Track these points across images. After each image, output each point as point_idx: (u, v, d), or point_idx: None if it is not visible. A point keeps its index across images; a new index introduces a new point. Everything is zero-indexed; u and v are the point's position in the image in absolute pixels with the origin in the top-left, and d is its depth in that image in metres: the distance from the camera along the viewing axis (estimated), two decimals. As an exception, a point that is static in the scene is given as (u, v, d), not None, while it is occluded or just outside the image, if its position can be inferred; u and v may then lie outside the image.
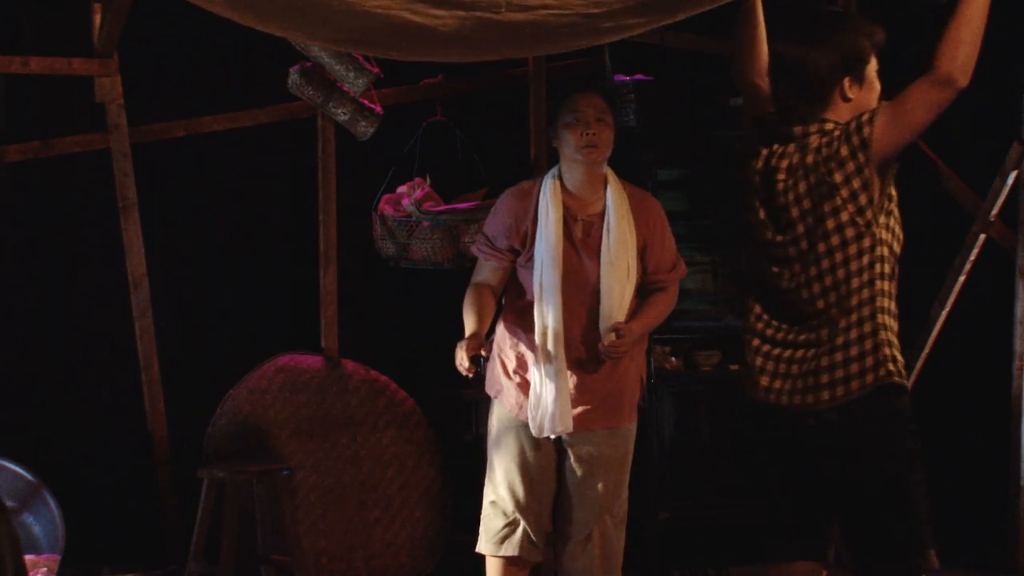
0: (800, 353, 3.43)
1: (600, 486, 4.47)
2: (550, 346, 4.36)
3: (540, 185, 4.49)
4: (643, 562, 5.91)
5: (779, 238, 3.45)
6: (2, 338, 5.75)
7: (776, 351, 3.47)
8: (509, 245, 4.47)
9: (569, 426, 4.36)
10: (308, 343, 5.93)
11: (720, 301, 6.06)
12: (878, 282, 3.39)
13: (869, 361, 3.35)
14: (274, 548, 5.30)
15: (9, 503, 5.46)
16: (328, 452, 5.78)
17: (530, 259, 4.43)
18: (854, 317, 3.37)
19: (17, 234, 5.86)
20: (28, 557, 5.28)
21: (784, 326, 3.46)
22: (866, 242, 3.38)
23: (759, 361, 3.49)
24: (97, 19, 5.52)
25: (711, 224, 6.02)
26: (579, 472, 4.46)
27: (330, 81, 5.61)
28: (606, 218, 4.45)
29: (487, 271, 4.52)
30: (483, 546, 4.50)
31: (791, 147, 3.44)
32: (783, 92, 3.49)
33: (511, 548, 4.44)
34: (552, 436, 4.40)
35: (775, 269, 3.47)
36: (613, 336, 4.37)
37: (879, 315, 3.38)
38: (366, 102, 5.64)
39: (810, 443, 3.45)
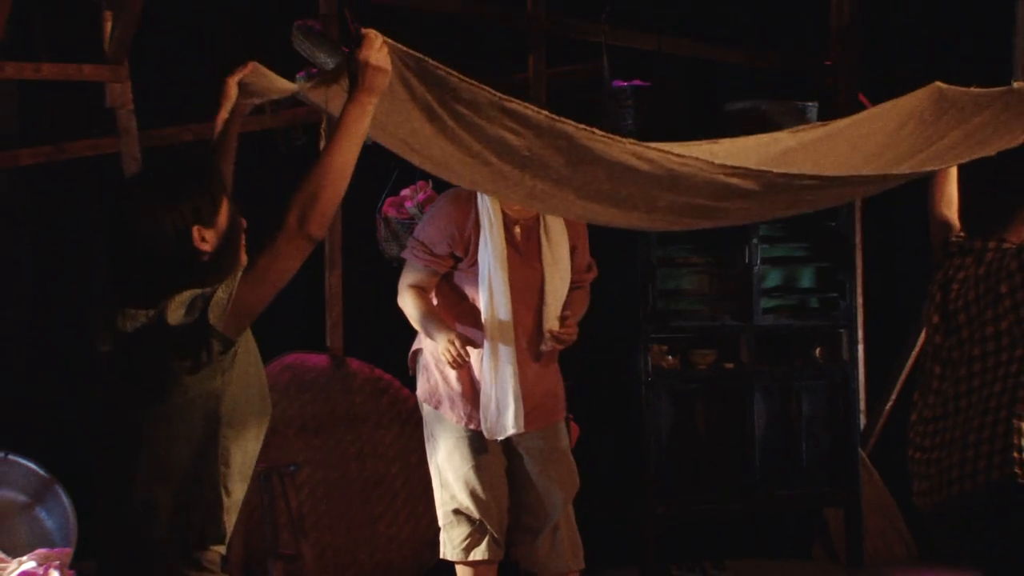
0: (935, 455, 3.56)
1: (559, 477, 4.56)
2: (503, 348, 4.42)
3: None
4: (641, 556, 6.00)
5: (946, 341, 3.61)
6: (14, 337, 5.81)
7: (922, 456, 3.61)
8: (450, 252, 4.50)
9: (522, 426, 4.43)
10: (314, 342, 6.01)
11: (716, 301, 6.11)
12: (1021, 390, 3.50)
13: (996, 460, 3.46)
14: (281, 542, 5.34)
15: (22, 498, 5.55)
16: (333, 449, 5.85)
17: (473, 264, 4.47)
18: (989, 418, 3.49)
19: (29, 235, 5.93)
20: (41, 551, 5.31)
21: (930, 428, 3.60)
22: (1018, 351, 3.51)
23: (911, 467, 3.64)
24: (108, 26, 5.59)
25: (707, 226, 6.10)
26: (536, 468, 4.54)
27: (329, 39, 5.56)
28: (542, 222, 4.53)
29: (423, 275, 4.55)
30: (450, 554, 4.60)
31: (969, 259, 3.62)
32: (975, 210, 3.71)
33: (480, 553, 4.54)
34: (501, 438, 4.47)
35: (937, 369, 3.62)
36: (557, 325, 4.47)
37: (1015, 420, 3.48)
38: (370, 106, 5.70)
39: (956, 536, 3.61)
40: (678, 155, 3.20)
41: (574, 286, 4.62)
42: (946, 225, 3.78)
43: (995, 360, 3.51)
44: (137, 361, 2.84)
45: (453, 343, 4.35)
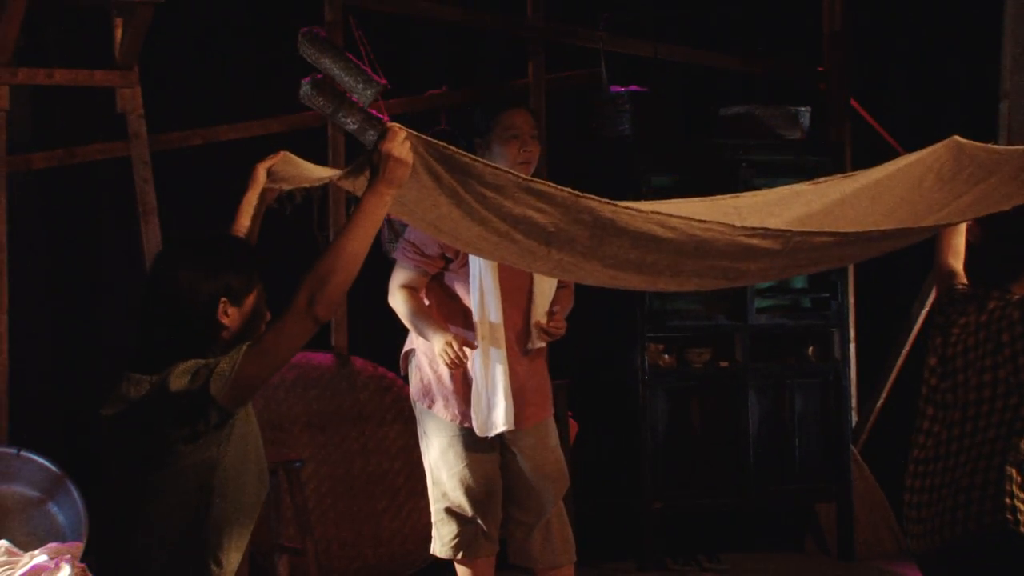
0: (926, 497, 3.57)
1: (550, 473, 4.57)
2: (494, 347, 4.45)
3: None
4: (638, 549, 6.08)
5: (941, 384, 3.62)
6: (27, 337, 5.82)
7: (912, 498, 3.61)
8: (440, 253, 4.51)
9: (512, 423, 4.44)
10: (319, 341, 5.99)
11: (711, 301, 6.16)
12: (1015, 438, 3.49)
13: (988, 505, 3.46)
14: (286, 536, 5.32)
15: (34, 493, 5.58)
16: (338, 445, 5.90)
17: (464, 266, 4.49)
18: (982, 464, 3.49)
19: (42, 237, 5.98)
20: (53, 545, 5.27)
21: (921, 469, 3.61)
22: (1013, 400, 3.49)
23: (905, 511, 3.64)
24: (118, 33, 5.62)
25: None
26: (528, 465, 4.56)
27: (340, 92, 5.71)
28: None
29: (415, 275, 4.56)
30: (440, 551, 4.60)
31: (971, 306, 3.61)
32: (982, 260, 3.71)
33: (469, 550, 4.54)
34: (492, 434, 4.48)
35: (930, 411, 3.63)
36: (545, 319, 4.51)
37: (1007, 466, 3.47)
38: (374, 112, 5.73)
39: None
40: (700, 221, 3.24)
41: (560, 286, 4.65)
42: (951, 275, 3.78)
43: (990, 407, 3.50)
44: (137, 426, 2.86)
45: (451, 344, 4.38)
